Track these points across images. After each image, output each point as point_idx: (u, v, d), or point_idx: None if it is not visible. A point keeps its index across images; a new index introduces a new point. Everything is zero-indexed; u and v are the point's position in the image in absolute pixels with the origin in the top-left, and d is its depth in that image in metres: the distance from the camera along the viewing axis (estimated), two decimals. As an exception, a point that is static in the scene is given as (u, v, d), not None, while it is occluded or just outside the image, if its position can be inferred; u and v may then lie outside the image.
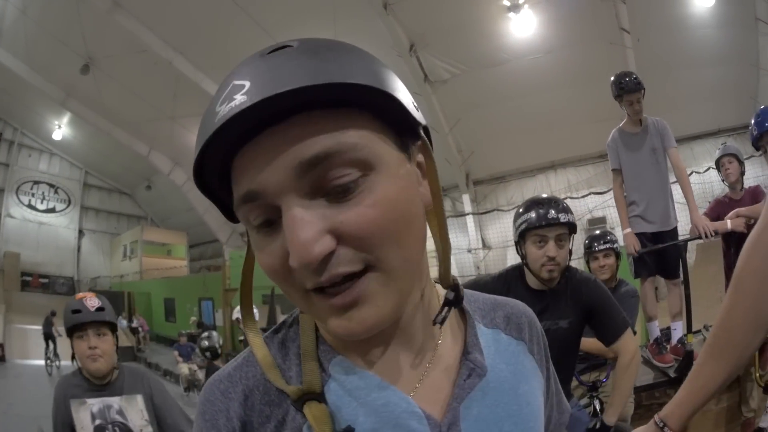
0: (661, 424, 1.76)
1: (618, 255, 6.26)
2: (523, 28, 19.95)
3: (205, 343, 9.48)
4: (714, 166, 7.18)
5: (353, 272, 0.89)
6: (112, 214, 44.14)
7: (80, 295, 3.85)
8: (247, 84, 0.83)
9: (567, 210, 3.78)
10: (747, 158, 7.30)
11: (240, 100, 0.82)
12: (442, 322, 1.06)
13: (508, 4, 19.45)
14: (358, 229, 0.87)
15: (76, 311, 3.69)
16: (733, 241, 6.35)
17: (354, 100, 0.88)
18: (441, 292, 1.17)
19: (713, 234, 6.44)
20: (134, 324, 30.55)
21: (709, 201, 7.17)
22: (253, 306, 1.14)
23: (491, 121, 21.71)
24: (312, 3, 20.26)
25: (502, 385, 1.14)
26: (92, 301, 3.74)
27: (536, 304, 3.47)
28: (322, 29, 20.35)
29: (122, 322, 30.57)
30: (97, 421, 3.54)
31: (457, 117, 21.73)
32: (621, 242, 6.67)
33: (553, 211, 3.71)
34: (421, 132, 1.01)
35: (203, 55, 24.05)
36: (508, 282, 4.00)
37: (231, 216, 1.01)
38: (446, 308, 1.07)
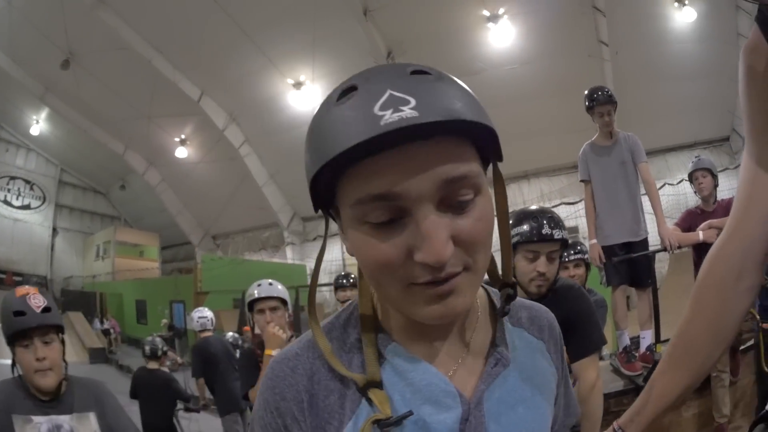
0: (619, 431, 1.78)
1: (588, 266, 6.30)
2: (501, 38, 20.13)
3: (149, 340, 9.36)
4: (687, 179, 7.25)
5: (456, 272, 1.05)
6: (85, 213, 43.40)
7: (21, 290, 3.15)
8: (413, 101, 0.94)
9: (560, 225, 3.72)
10: (721, 171, 7.36)
11: (410, 113, 0.93)
12: (503, 314, 1.31)
13: (487, 14, 19.59)
14: (470, 237, 1.04)
15: (20, 313, 3.03)
16: (704, 253, 6.40)
17: (469, 133, 1.05)
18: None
19: (678, 247, 6.55)
20: (106, 325, 30.25)
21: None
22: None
23: (466, 130, 21.33)
24: (292, 6, 20.25)
25: (521, 375, 1.31)
26: (37, 300, 3.08)
27: None
28: (302, 32, 20.59)
29: (96, 324, 30.37)
30: None
31: (432, 125, 21.71)
32: (591, 252, 6.78)
33: (547, 227, 3.65)
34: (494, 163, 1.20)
35: (182, 55, 23.98)
36: None
37: (318, 204, 1.16)
38: (508, 303, 1.30)
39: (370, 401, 1.17)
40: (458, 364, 1.26)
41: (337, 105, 1.01)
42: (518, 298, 1.44)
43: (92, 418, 3.18)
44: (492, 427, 1.22)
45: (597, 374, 3.92)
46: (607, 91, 6.80)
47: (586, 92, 6.87)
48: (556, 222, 3.71)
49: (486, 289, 1.43)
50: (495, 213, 1.17)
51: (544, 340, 1.44)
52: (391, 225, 1.03)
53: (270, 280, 5.24)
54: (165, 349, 9.65)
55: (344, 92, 1.02)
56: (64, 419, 3.08)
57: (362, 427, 1.14)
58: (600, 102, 6.71)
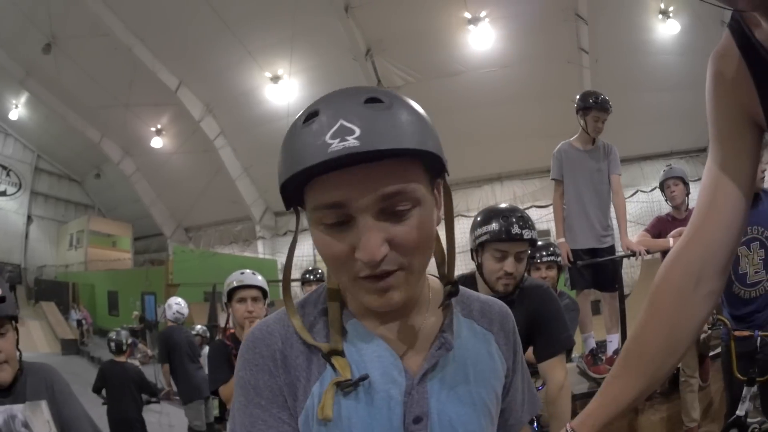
0: None
1: (560, 268, 6.35)
2: (481, 41, 20.17)
3: (113, 335, 9.48)
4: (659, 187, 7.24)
5: (392, 270, 1.29)
6: (60, 201, 42.68)
7: None
8: (357, 131, 1.17)
9: (529, 225, 3.69)
10: (697, 180, 7.34)
11: (353, 143, 1.16)
12: (444, 307, 1.50)
13: (468, 16, 19.64)
14: (404, 242, 1.27)
15: None
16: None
17: (416, 154, 1.25)
18: (433, 284, 1.58)
19: (646, 252, 6.57)
20: (78, 316, 30.10)
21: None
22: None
23: (441, 130, 19.77)
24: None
25: (464, 360, 1.51)
26: None
27: None
28: (281, 26, 20.59)
29: (73, 315, 30.30)
30: None
31: (407, 124, 21.73)
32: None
33: (516, 227, 3.61)
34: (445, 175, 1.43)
35: (163, 43, 23.86)
36: None
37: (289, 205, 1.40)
38: (449, 299, 1.51)
39: (333, 367, 1.41)
40: (408, 345, 1.47)
41: (302, 127, 1.24)
42: (474, 293, 1.71)
43: (43, 406, 3.07)
44: (433, 402, 1.43)
45: (565, 375, 3.90)
46: (606, 99, 6.75)
47: (584, 92, 6.92)
48: (525, 221, 3.68)
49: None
50: (441, 220, 1.45)
51: (493, 332, 1.63)
52: (340, 227, 1.27)
53: (251, 270, 5.15)
54: (129, 341, 9.89)
55: (309, 116, 1.25)
56: (18, 409, 2.97)
57: (327, 387, 1.38)
58: (599, 107, 6.67)
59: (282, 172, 1.28)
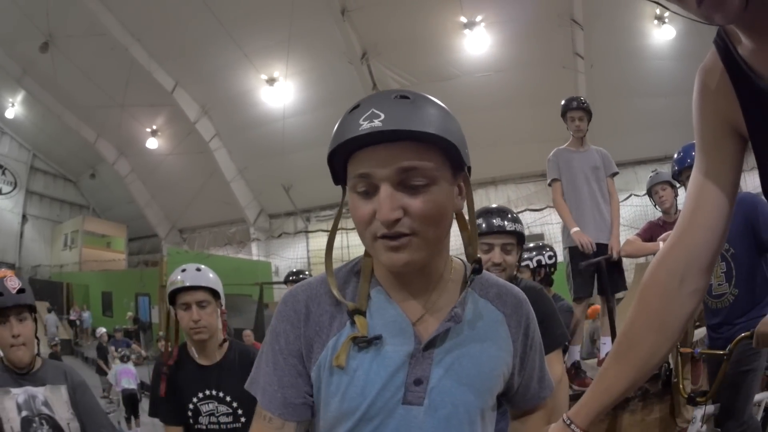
0: (568, 422, 1.88)
1: (533, 271, 6.48)
2: (476, 45, 20.29)
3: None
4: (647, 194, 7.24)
5: (405, 233, 1.52)
6: (55, 201, 42.37)
7: None
8: (383, 115, 1.46)
9: (515, 220, 3.95)
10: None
11: (377, 124, 1.46)
12: (468, 283, 1.73)
13: (464, 20, 19.71)
14: (417, 211, 1.51)
15: None
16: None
17: (435, 140, 1.51)
18: (455, 266, 1.80)
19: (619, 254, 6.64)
20: (72, 316, 30.05)
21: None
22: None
23: (436, 134, 21.31)
24: (271, 2, 20.25)
25: (472, 335, 1.72)
26: (13, 282, 3.36)
27: None
28: (278, 29, 20.58)
29: (72, 315, 30.32)
30: (24, 413, 3.29)
31: (403, 128, 21.69)
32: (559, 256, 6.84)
33: (500, 220, 3.88)
34: (466, 169, 1.67)
35: (160, 44, 23.92)
36: None
37: (336, 181, 1.71)
38: (472, 275, 1.73)
39: (353, 323, 1.66)
40: (423, 315, 1.69)
41: (347, 114, 1.55)
42: (497, 278, 1.90)
43: (63, 390, 3.49)
44: (435, 369, 1.65)
45: (562, 369, 4.09)
46: (582, 100, 6.95)
47: (564, 101, 7.01)
48: (506, 215, 3.95)
49: (465, 266, 1.82)
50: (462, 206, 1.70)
51: (505, 313, 1.80)
52: (367, 194, 1.53)
53: (198, 265, 3.99)
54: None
55: (353, 108, 1.55)
56: (38, 391, 3.40)
57: (344, 341, 1.64)
58: (572, 108, 6.82)
59: (329, 147, 1.58)
